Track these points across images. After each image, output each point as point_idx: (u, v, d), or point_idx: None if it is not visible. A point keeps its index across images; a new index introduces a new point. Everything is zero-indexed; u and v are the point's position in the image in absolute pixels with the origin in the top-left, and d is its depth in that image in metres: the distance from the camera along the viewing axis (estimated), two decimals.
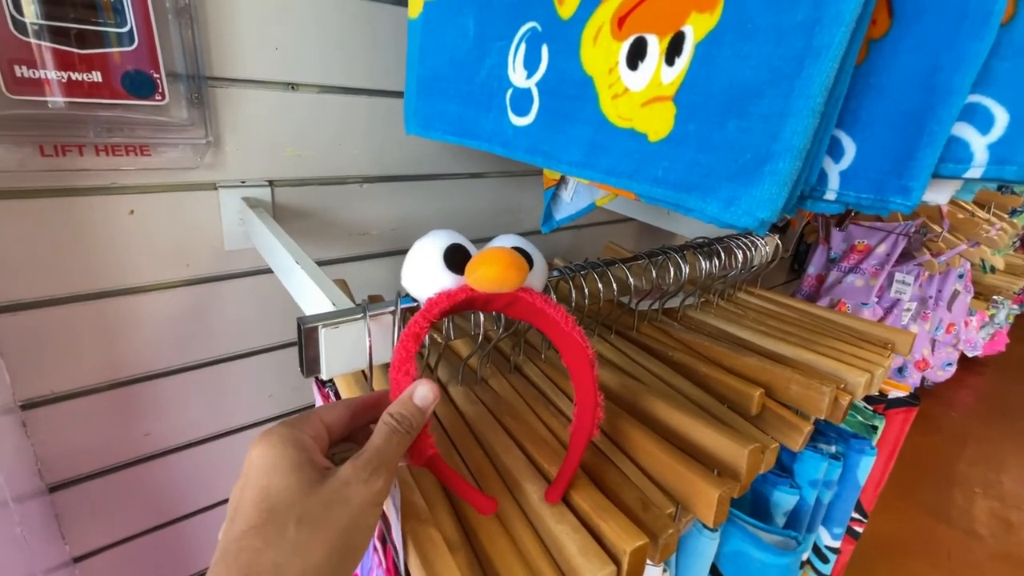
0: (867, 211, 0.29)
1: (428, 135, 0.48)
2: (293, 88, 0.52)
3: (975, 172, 0.26)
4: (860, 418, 0.51)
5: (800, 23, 0.22)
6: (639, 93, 0.30)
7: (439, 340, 0.39)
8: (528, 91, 0.38)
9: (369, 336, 0.30)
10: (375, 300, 0.34)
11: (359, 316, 0.30)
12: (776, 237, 0.63)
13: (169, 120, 0.44)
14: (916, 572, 1.40)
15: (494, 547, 0.26)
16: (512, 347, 0.45)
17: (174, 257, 0.50)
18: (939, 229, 0.89)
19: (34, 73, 0.37)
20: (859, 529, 0.65)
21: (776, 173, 0.24)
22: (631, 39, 0.30)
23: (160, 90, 0.42)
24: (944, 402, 2.21)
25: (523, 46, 0.38)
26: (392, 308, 0.31)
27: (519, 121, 0.40)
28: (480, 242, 0.33)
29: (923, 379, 1.89)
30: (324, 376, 0.30)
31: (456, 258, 0.31)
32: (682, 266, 0.49)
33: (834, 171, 0.28)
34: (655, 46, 0.29)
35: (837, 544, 0.51)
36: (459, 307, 0.31)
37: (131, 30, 0.39)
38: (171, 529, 0.58)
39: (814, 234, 1.04)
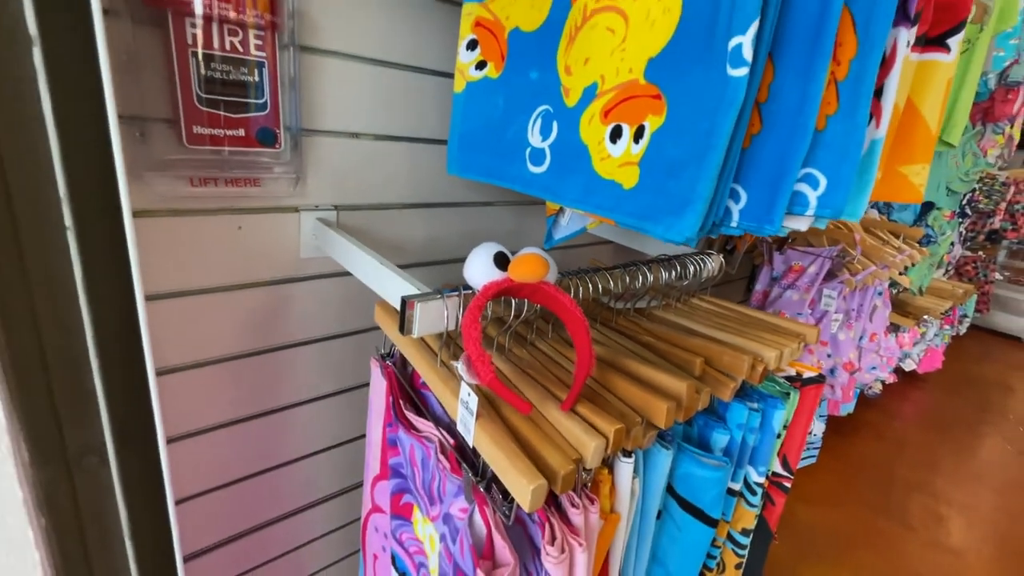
0: (755, 234, 0.47)
1: (466, 176, 0.66)
2: (356, 136, 0.69)
3: (810, 212, 0.44)
4: (778, 387, 0.70)
5: (705, 130, 0.41)
6: (617, 159, 0.48)
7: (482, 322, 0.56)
8: (543, 150, 0.56)
9: (446, 309, 0.46)
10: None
11: (439, 296, 0.46)
12: (720, 257, 0.82)
13: (278, 162, 0.61)
14: (860, 559, 1.58)
15: (530, 434, 0.42)
16: (528, 330, 0.62)
17: (265, 262, 0.66)
18: (854, 253, 1.10)
19: (204, 131, 0.53)
20: (787, 484, 0.82)
21: (694, 211, 0.42)
22: (612, 125, 0.49)
23: (279, 141, 0.59)
24: (888, 413, 2.44)
25: (539, 120, 0.56)
26: (459, 292, 0.48)
27: (535, 170, 0.57)
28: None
29: (864, 390, 2.11)
30: (415, 334, 0.46)
31: (500, 260, 0.48)
32: (648, 275, 0.67)
33: (736, 209, 0.46)
34: (627, 131, 0.47)
35: (762, 480, 0.69)
36: (502, 292, 0.48)
37: (266, 101, 0.56)
38: (253, 480, 0.72)
39: (760, 258, 1.24)
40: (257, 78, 0.55)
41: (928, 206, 1.49)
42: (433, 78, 0.73)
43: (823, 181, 0.44)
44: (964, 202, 1.91)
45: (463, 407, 0.45)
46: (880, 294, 1.28)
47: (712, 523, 0.58)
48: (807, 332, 0.74)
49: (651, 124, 0.45)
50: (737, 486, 0.66)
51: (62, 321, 0.43)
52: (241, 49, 0.53)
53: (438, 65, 0.73)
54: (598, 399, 0.48)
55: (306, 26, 0.60)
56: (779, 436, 0.69)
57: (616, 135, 0.48)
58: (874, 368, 1.33)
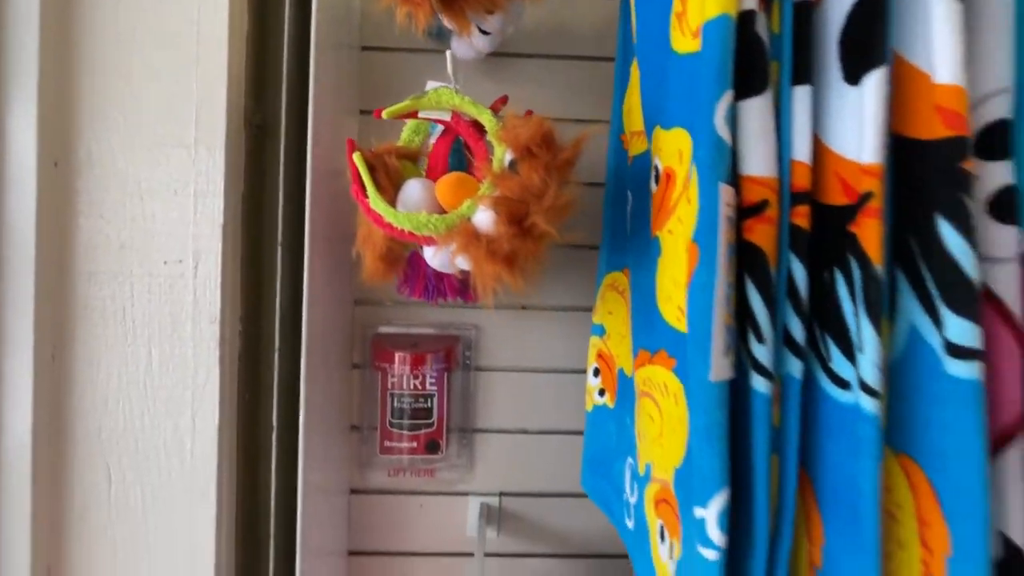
0: None
1: (591, 497, 0.66)
2: (524, 432, 0.83)
3: None
4: None
5: None
6: (664, 564, 0.41)
7: None
8: (631, 506, 0.52)
9: None
10: None
11: None
12: None
13: (445, 462, 0.80)
14: None
15: None
16: None
17: (439, 536, 0.80)
18: None
19: (392, 444, 0.81)
20: None
21: None
22: (659, 521, 0.42)
23: (442, 449, 0.78)
24: None
25: (628, 472, 0.54)
26: None
27: (629, 524, 0.53)
28: None
29: None
30: None
31: None
32: None
33: None
34: (668, 537, 0.40)
35: None
36: None
37: (433, 421, 0.77)
38: None
39: None
40: (428, 404, 0.78)
41: None
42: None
43: None
44: None
45: None
46: None
47: None
48: None
49: (675, 548, 0.38)
50: None
51: None
52: (420, 387, 0.78)
53: None
54: None
55: (481, 353, 0.82)
56: None
57: (662, 535, 0.42)
58: None
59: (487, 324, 0.84)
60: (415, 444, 0.80)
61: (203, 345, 0.61)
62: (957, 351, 0.26)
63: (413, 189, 0.47)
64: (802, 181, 0.31)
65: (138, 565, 0.62)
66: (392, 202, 0.47)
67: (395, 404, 0.79)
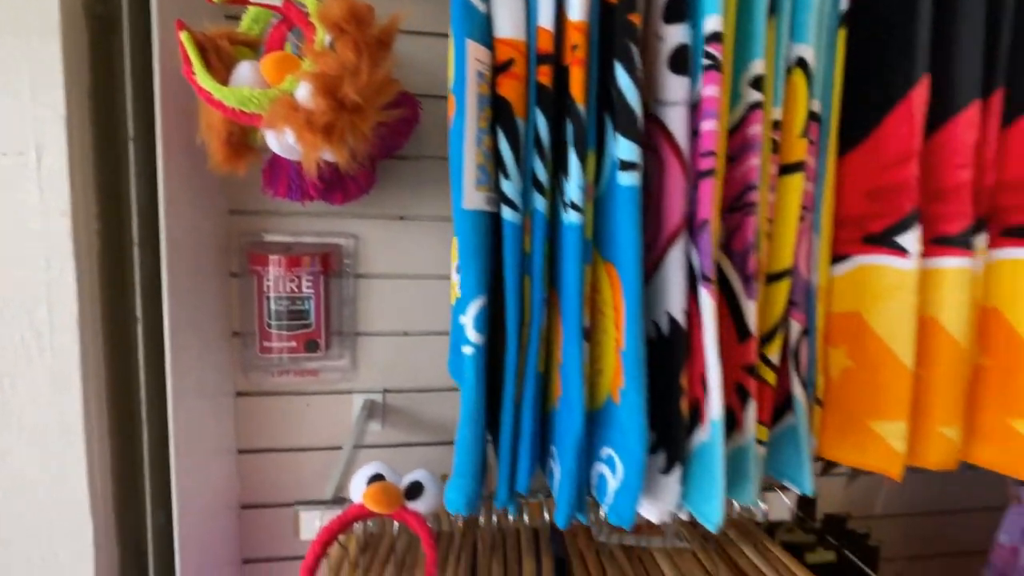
0: None
1: (453, 376, 0.71)
2: (405, 335, 0.90)
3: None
4: None
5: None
6: None
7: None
8: None
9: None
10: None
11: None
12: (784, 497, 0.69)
13: (327, 361, 0.90)
14: None
15: None
16: None
17: (327, 431, 0.87)
18: None
19: (271, 344, 0.94)
20: None
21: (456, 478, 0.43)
22: None
23: (321, 348, 0.93)
24: None
25: None
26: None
27: None
28: None
29: None
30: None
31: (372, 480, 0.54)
32: None
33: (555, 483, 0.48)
34: None
35: None
36: (358, 518, 0.52)
37: (311, 321, 0.97)
38: None
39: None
40: (305, 307, 0.97)
41: None
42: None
43: (620, 467, 0.39)
44: None
45: None
46: None
47: None
48: None
49: None
50: None
51: None
52: (296, 290, 0.86)
53: None
54: None
55: (362, 261, 0.88)
56: None
57: None
58: None
59: (366, 234, 0.89)
60: (294, 344, 0.85)
61: (54, 239, 0.61)
62: (624, 165, 0.34)
63: (243, 69, 0.50)
64: (545, 45, 0.37)
65: (5, 454, 0.63)
66: (225, 83, 0.50)
67: (272, 306, 0.83)
